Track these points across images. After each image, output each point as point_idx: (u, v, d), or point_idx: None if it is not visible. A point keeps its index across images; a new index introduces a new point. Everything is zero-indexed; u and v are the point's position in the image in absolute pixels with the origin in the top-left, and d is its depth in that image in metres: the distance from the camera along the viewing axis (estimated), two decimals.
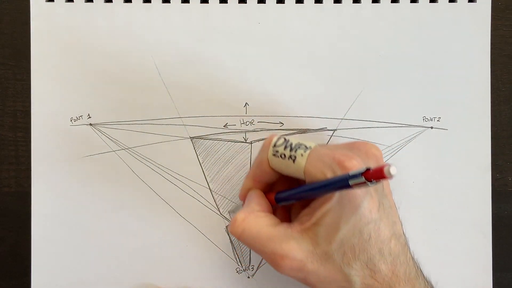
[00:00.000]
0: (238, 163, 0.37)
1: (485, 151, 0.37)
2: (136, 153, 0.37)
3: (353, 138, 0.37)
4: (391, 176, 0.22)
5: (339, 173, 0.27)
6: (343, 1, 0.37)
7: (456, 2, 0.37)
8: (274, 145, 0.30)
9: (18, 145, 0.37)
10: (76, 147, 0.36)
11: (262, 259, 0.37)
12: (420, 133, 0.37)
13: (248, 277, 0.37)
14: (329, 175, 0.27)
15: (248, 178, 0.33)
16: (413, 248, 0.30)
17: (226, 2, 0.37)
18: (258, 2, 0.37)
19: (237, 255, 0.37)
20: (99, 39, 0.37)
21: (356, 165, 0.27)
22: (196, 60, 0.37)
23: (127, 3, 0.37)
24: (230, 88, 0.37)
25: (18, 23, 0.37)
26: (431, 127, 0.37)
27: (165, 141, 0.37)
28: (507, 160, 0.38)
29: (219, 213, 0.37)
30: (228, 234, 0.37)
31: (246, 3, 0.37)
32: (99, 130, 0.37)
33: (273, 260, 0.29)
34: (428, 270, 0.30)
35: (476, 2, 0.37)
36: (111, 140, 0.37)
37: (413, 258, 0.30)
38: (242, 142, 0.37)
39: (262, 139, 0.37)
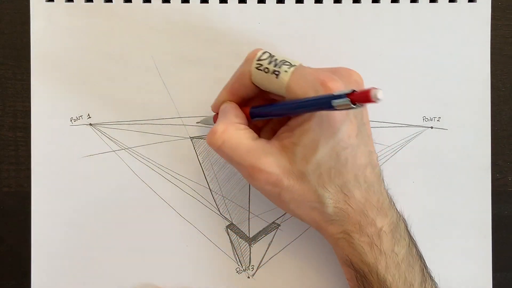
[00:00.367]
0: None
1: (485, 151, 0.37)
2: (136, 153, 0.37)
3: None
4: (377, 100, 0.22)
5: (322, 93, 0.27)
6: (343, 1, 0.37)
7: (456, 2, 0.37)
8: (259, 59, 0.29)
9: (18, 145, 0.37)
10: (76, 147, 0.36)
11: (262, 259, 0.37)
12: (420, 133, 0.37)
13: (248, 277, 0.37)
14: (311, 94, 0.27)
15: (225, 90, 0.32)
16: None
17: (226, 2, 0.37)
18: (258, 2, 0.37)
19: (237, 255, 0.37)
20: (99, 39, 0.37)
21: (339, 87, 0.27)
22: (196, 60, 0.37)
23: (127, 3, 0.37)
24: None
25: (18, 23, 0.37)
26: (431, 127, 0.37)
27: (165, 141, 0.37)
28: (507, 160, 0.38)
29: (219, 213, 0.37)
30: (228, 234, 0.37)
31: (246, 3, 0.37)
32: (99, 130, 0.37)
33: (250, 173, 0.29)
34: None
35: (476, 2, 0.37)
36: (111, 140, 0.37)
37: (386, 190, 0.30)
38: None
39: None
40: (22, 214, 0.37)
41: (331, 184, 0.28)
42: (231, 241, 0.37)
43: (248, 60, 0.30)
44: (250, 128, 0.31)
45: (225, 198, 0.37)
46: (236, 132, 0.29)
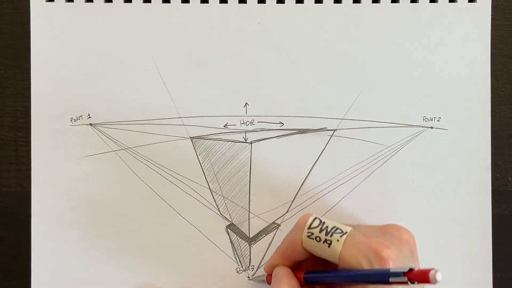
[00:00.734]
0: (238, 163, 0.37)
1: (485, 151, 0.37)
2: (136, 153, 0.37)
3: (353, 138, 0.37)
4: (435, 282, 0.22)
5: (375, 262, 0.27)
6: (343, 1, 0.37)
7: (456, 2, 0.37)
8: (309, 227, 0.30)
9: (18, 145, 0.37)
10: (76, 147, 0.36)
11: (262, 259, 0.37)
12: (420, 133, 0.37)
13: (248, 277, 0.37)
14: (365, 264, 0.27)
15: (277, 253, 0.32)
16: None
17: (226, 2, 0.37)
18: (258, 2, 0.37)
19: (237, 255, 0.37)
20: (99, 39, 0.37)
21: (392, 255, 0.27)
22: (196, 60, 0.37)
23: (127, 3, 0.37)
24: (230, 88, 0.37)
25: (18, 23, 0.37)
26: (431, 127, 0.37)
27: (165, 141, 0.37)
28: (507, 160, 0.38)
29: (219, 213, 0.37)
30: (228, 234, 0.37)
31: (246, 3, 0.37)
32: (99, 130, 0.37)
33: None
34: None
35: (476, 2, 0.37)
36: (111, 140, 0.37)
37: None
38: (242, 142, 0.37)
39: (262, 139, 0.37)
40: (22, 214, 0.37)
41: None
42: (231, 241, 0.37)
43: (298, 227, 0.30)
44: None
45: (225, 198, 0.37)
46: None
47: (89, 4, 0.36)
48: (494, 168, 0.37)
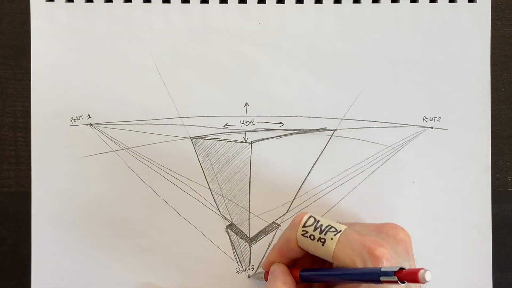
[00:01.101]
0: (238, 163, 0.37)
1: (485, 151, 0.37)
2: (136, 153, 0.37)
3: (353, 138, 0.37)
4: (424, 282, 0.22)
5: (369, 261, 0.27)
6: (343, 1, 0.37)
7: (456, 2, 0.37)
8: (304, 225, 0.30)
9: (18, 145, 0.37)
10: (76, 147, 0.36)
11: (262, 259, 0.37)
12: (420, 133, 0.37)
13: (248, 277, 0.37)
14: (358, 262, 0.27)
15: (273, 251, 0.33)
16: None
17: (226, 2, 0.37)
18: (258, 2, 0.37)
19: (237, 255, 0.37)
20: (99, 39, 0.37)
21: (386, 253, 0.27)
22: (196, 60, 0.37)
23: (127, 3, 0.37)
24: (230, 88, 0.37)
25: (18, 23, 0.37)
26: (431, 127, 0.37)
27: (165, 141, 0.37)
28: (507, 160, 0.38)
29: (219, 213, 0.37)
30: (228, 234, 0.37)
31: (246, 3, 0.37)
32: (99, 130, 0.37)
33: None
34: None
35: (476, 2, 0.37)
36: (111, 140, 0.37)
37: None
38: (242, 142, 0.37)
39: (262, 139, 0.37)
40: (22, 214, 0.37)
41: None
42: (231, 241, 0.37)
43: (293, 225, 0.31)
44: (301, 287, 0.31)
45: (225, 198, 0.37)
46: None
47: (89, 4, 0.36)
48: (494, 168, 0.37)
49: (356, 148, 0.37)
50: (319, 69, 0.37)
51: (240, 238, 0.37)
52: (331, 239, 0.29)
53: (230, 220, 0.37)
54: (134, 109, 0.37)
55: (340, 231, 0.29)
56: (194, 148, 0.37)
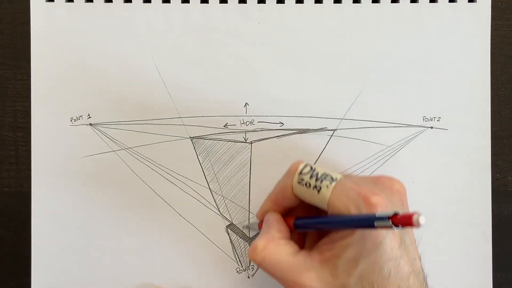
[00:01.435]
0: (238, 163, 0.37)
1: (485, 151, 0.37)
2: (136, 153, 0.37)
3: (353, 138, 0.37)
4: (418, 225, 0.22)
5: (363, 209, 0.27)
6: (343, 1, 0.37)
7: (456, 2, 0.37)
8: (300, 173, 0.30)
9: (18, 145, 0.37)
10: (76, 147, 0.36)
11: None
12: (420, 133, 0.37)
13: (248, 277, 0.37)
14: (353, 210, 0.27)
15: (268, 200, 0.33)
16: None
17: (226, 2, 0.37)
18: (258, 2, 0.37)
19: (237, 255, 0.37)
20: (99, 39, 0.37)
21: (381, 201, 0.27)
22: (196, 60, 0.37)
23: (127, 3, 0.37)
24: (230, 88, 0.37)
25: (18, 23, 0.37)
26: (431, 127, 0.37)
27: (165, 141, 0.37)
28: (507, 160, 0.38)
29: (219, 213, 0.37)
30: (228, 234, 0.37)
31: (246, 3, 0.37)
32: (99, 130, 0.37)
33: None
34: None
35: (476, 2, 0.37)
36: (111, 140, 0.37)
37: None
38: (242, 142, 0.37)
39: (262, 139, 0.37)
40: (22, 214, 0.37)
41: None
42: (231, 241, 0.37)
43: (289, 173, 0.31)
44: (294, 237, 0.31)
45: (225, 198, 0.37)
46: (276, 248, 0.30)
47: (89, 4, 0.36)
48: (494, 168, 0.37)
49: (356, 148, 0.37)
50: (319, 69, 0.37)
51: (240, 238, 0.37)
52: (327, 186, 0.29)
53: (230, 220, 0.37)
54: (134, 109, 0.37)
55: (336, 179, 0.29)
56: (194, 148, 0.37)
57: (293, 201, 0.31)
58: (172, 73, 0.37)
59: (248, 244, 0.37)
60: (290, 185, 0.30)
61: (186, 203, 0.37)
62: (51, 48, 0.36)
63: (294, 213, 0.33)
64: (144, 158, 0.37)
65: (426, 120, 0.37)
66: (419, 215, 0.23)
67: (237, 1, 0.37)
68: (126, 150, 0.37)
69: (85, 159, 0.37)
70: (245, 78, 0.37)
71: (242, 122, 0.37)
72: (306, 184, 0.29)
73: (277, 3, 0.37)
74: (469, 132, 0.37)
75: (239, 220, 0.37)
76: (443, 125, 0.37)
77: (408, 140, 0.37)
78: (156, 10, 0.37)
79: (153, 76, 0.37)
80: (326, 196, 0.29)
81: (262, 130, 0.37)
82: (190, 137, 0.37)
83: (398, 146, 0.37)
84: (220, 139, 0.37)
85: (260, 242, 0.30)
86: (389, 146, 0.37)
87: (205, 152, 0.37)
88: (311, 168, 0.30)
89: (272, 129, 0.37)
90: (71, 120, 0.37)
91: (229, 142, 0.37)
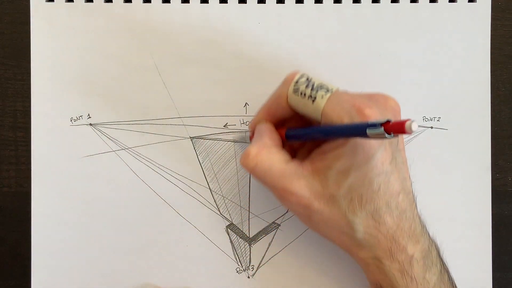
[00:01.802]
0: (238, 163, 0.37)
1: (485, 151, 0.37)
2: (136, 153, 0.37)
3: None
4: (411, 132, 0.22)
5: (357, 119, 0.27)
6: (343, 1, 0.37)
7: (456, 2, 0.37)
8: (296, 82, 0.30)
9: (18, 145, 0.37)
10: (76, 147, 0.36)
11: (262, 259, 0.37)
12: (420, 133, 0.37)
13: (248, 277, 0.37)
14: (346, 120, 0.27)
15: (262, 110, 0.32)
16: None
17: (226, 2, 0.37)
18: (258, 2, 0.37)
19: (237, 255, 0.37)
20: (99, 39, 0.37)
21: (374, 114, 0.27)
22: (196, 60, 0.37)
23: (127, 3, 0.37)
24: (230, 88, 0.37)
25: (18, 23, 0.37)
26: (431, 127, 0.37)
27: (165, 141, 0.37)
28: (507, 160, 0.38)
29: (219, 213, 0.37)
30: (228, 234, 0.37)
31: (246, 3, 0.37)
32: (99, 130, 0.37)
33: (282, 195, 0.29)
34: None
35: (476, 2, 0.37)
36: (111, 140, 0.37)
37: (419, 216, 0.30)
38: (242, 142, 0.37)
39: None
40: (22, 214, 0.37)
41: (362, 210, 0.28)
42: (231, 241, 0.37)
43: (285, 82, 0.30)
44: (286, 149, 0.31)
45: (225, 198, 0.37)
46: (268, 155, 0.30)
47: (89, 4, 0.36)
48: (494, 168, 0.37)
49: None
50: (319, 69, 0.37)
51: (240, 238, 0.37)
52: (322, 97, 0.28)
53: (230, 220, 0.37)
54: (134, 109, 0.37)
55: (332, 90, 0.29)
56: (194, 148, 0.37)
57: (286, 111, 0.31)
58: (172, 73, 0.37)
59: (248, 244, 0.37)
60: (285, 94, 0.30)
61: (186, 203, 0.37)
62: (51, 48, 0.36)
63: (287, 125, 0.32)
64: (144, 158, 0.37)
65: (426, 120, 0.37)
66: (412, 121, 0.22)
67: (237, 1, 0.37)
68: (126, 150, 0.37)
69: (85, 159, 0.37)
70: (245, 78, 0.37)
71: (242, 122, 0.37)
72: (301, 94, 0.29)
73: (277, 3, 0.37)
74: (469, 132, 0.37)
75: (239, 220, 0.37)
76: (443, 125, 0.37)
77: (408, 140, 0.37)
78: (156, 10, 0.37)
79: (153, 76, 0.37)
80: (320, 106, 0.28)
81: None
82: (190, 137, 0.37)
83: None
84: (220, 139, 0.37)
85: (252, 149, 0.30)
86: None
87: (205, 152, 0.37)
88: (307, 78, 0.30)
89: None
90: (71, 120, 0.37)
91: (229, 142, 0.37)
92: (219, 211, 0.37)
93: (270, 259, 0.37)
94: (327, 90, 0.29)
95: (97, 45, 0.37)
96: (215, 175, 0.37)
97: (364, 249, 0.29)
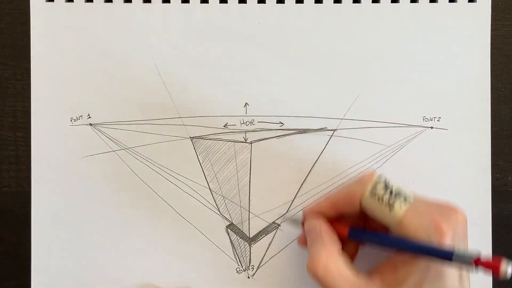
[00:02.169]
0: (238, 163, 0.37)
1: (485, 151, 0.37)
2: (136, 153, 0.37)
3: (353, 138, 0.37)
4: (505, 277, 0.22)
5: (434, 236, 0.27)
6: (343, 1, 0.37)
7: (456, 2, 0.37)
8: (374, 186, 0.29)
9: (18, 145, 0.37)
10: (76, 147, 0.36)
11: (262, 259, 0.37)
12: (420, 133, 0.37)
13: (248, 277, 0.37)
14: (423, 234, 0.27)
15: (327, 201, 0.31)
16: None
17: (226, 2, 0.37)
18: (258, 2, 0.37)
19: (237, 255, 0.37)
20: (99, 39, 0.37)
21: (450, 232, 0.27)
22: (196, 60, 0.37)
23: (127, 3, 0.37)
24: (230, 88, 0.37)
25: (18, 23, 0.37)
26: (431, 127, 0.37)
27: (165, 141, 0.37)
28: (507, 160, 0.38)
29: (219, 213, 0.37)
30: (228, 234, 0.37)
31: (246, 3, 0.37)
32: (99, 130, 0.37)
33: None
34: None
35: (476, 2, 0.37)
36: (111, 140, 0.37)
37: None
38: (242, 142, 0.37)
39: (262, 139, 0.37)
40: (22, 214, 0.37)
41: None
42: (231, 241, 0.37)
43: (362, 182, 0.30)
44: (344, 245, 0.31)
45: (225, 198, 0.37)
46: (337, 264, 0.28)
47: (89, 4, 0.36)
48: (494, 168, 0.37)
49: (356, 148, 0.37)
50: (319, 69, 0.37)
51: (240, 238, 0.37)
52: (400, 207, 0.28)
53: (230, 220, 0.37)
54: (134, 109, 0.37)
55: (409, 197, 0.28)
56: (194, 148, 0.37)
57: (355, 211, 0.30)
58: (172, 73, 0.37)
59: (248, 244, 0.37)
60: (359, 195, 0.29)
61: (186, 203, 0.37)
62: (51, 48, 0.36)
63: (345, 220, 0.32)
64: (144, 158, 0.37)
65: (426, 120, 0.37)
66: (508, 265, 0.22)
67: (237, 1, 0.37)
68: (126, 150, 0.37)
69: (85, 159, 0.37)
70: (245, 78, 0.37)
71: (242, 122, 0.37)
72: (378, 199, 0.29)
73: (277, 3, 0.37)
74: (469, 132, 0.37)
75: (239, 220, 0.37)
76: (443, 125, 0.37)
77: (408, 140, 0.37)
78: (156, 10, 0.37)
79: (153, 76, 0.37)
80: (397, 216, 0.28)
81: (262, 130, 0.37)
82: (190, 137, 0.37)
83: (398, 146, 0.37)
84: (220, 139, 0.37)
85: (321, 254, 0.28)
86: (389, 146, 0.37)
87: (205, 152, 0.37)
88: (385, 182, 0.29)
89: (272, 129, 0.37)
90: (71, 120, 0.37)
91: (229, 142, 0.37)
92: (219, 211, 0.37)
93: (270, 259, 0.37)
94: (405, 199, 0.28)
95: (97, 45, 0.37)
96: (215, 175, 0.37)
97: None
